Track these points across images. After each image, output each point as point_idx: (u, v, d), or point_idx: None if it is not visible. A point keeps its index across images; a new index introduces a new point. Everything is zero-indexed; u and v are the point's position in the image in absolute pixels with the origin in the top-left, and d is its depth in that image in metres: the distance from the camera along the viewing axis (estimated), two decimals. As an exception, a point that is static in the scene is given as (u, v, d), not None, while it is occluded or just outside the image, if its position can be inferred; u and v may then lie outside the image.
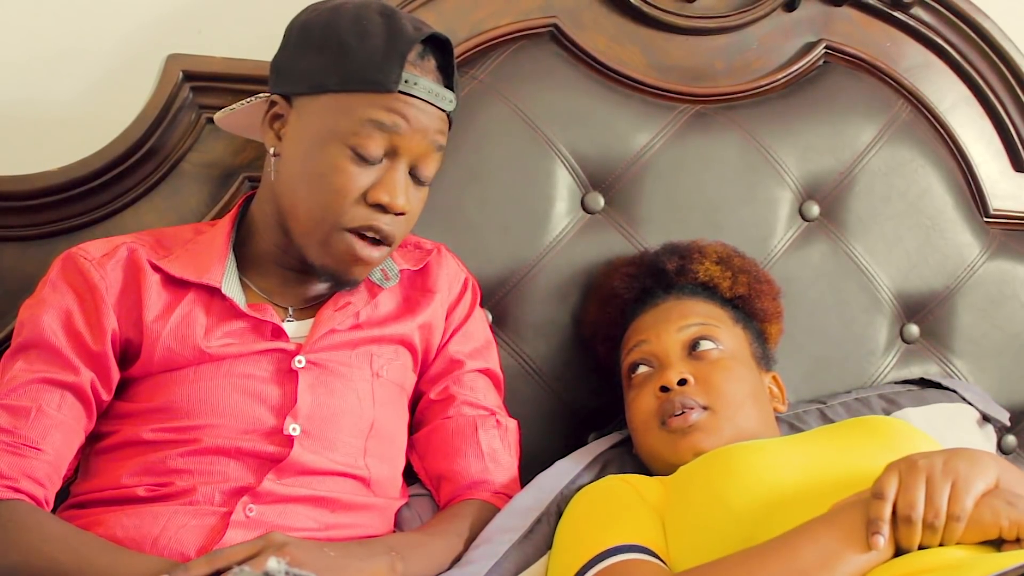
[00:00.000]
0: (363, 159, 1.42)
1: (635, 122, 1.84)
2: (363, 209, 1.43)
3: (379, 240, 1.45)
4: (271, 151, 1.47)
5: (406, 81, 1.40)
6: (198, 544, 1.36)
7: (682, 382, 1.52)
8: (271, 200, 1.49)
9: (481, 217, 1.76)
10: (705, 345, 1.57)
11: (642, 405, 1.56)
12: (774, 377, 1.67)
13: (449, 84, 1.46)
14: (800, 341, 1.86)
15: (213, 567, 1.24)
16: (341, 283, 1.50)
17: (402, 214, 1.45)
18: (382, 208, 1.43)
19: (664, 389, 1.53)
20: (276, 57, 1.49)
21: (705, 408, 1.51)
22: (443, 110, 1.46)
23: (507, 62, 1.81)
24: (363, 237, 1.44)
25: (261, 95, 1.52)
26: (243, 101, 1.55)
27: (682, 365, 1.55)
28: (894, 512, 1.21)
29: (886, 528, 1.20)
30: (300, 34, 1.46)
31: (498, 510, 1.53)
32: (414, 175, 1.46)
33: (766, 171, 1.88)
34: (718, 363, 1.55)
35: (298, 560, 1.25)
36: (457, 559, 1.46)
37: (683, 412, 1.50)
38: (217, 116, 1.61)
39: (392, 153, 1.43)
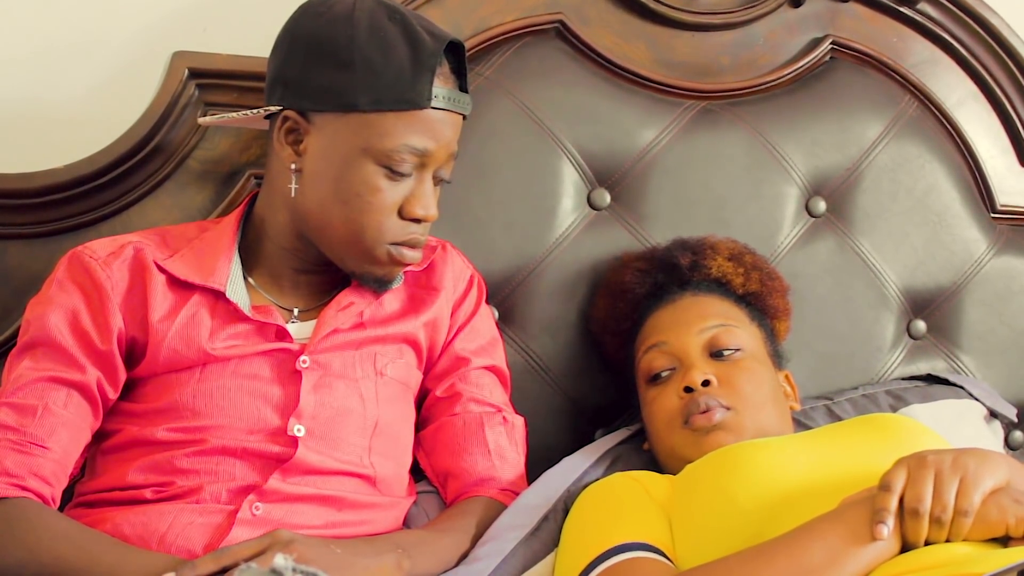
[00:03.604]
0: (396, 175, 1.43)
1: (641, 118, 1.84)
2: (399, 222, 1.45)
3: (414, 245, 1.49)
4: (292, 167, 1.46)
5: (436, 96, 1.42)
6: (204, 541, 1.36)
7: (706, 383, 1.52)
8: (288, 211, 1.49)
9: (487, 214, 1.76)
10: (727, 349, 1.56)
11: (664, 405, 1.55)
12: (787, 376, 1.67)
13: (464, 87, 1.47)
14: (807, 338, 1.86)
15: (220, 564, 1.25)
16: (383, 284, 1.52)
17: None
18: (416, 220, 1.46)
19: (688, 390, 1.53)
20: (279, 68, 1.46)
21: (728, 408, 1.50)
22: (464, 115, 1.47)
23: (513, 59, 1.80)
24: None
25: (258, 110, 1.49)
26: (239, 112, 1.54)
27: (705, 366, 1.55)
28: (901, 505, 1.21)
29: (891, 519, 1.20)
30: (310, 47, 1.43)
31: (505, 507, 1.53)
32: (435, 177, 1.48)
33: (772, 167, 1.88)
34: (739, 364, 1.55)
35: (304, 557, 1.25)
36: (464, 556, 1.46)
37: (707, 410, 1.50)
38: (204, 120, 1.61)
39: (421, 166, 1.45)
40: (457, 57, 1.46)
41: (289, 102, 1.45)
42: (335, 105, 1.42)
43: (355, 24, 1.41)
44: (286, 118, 1.45)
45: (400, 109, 1.41)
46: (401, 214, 1.45)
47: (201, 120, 1.62)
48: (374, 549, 1.37)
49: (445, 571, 1.43)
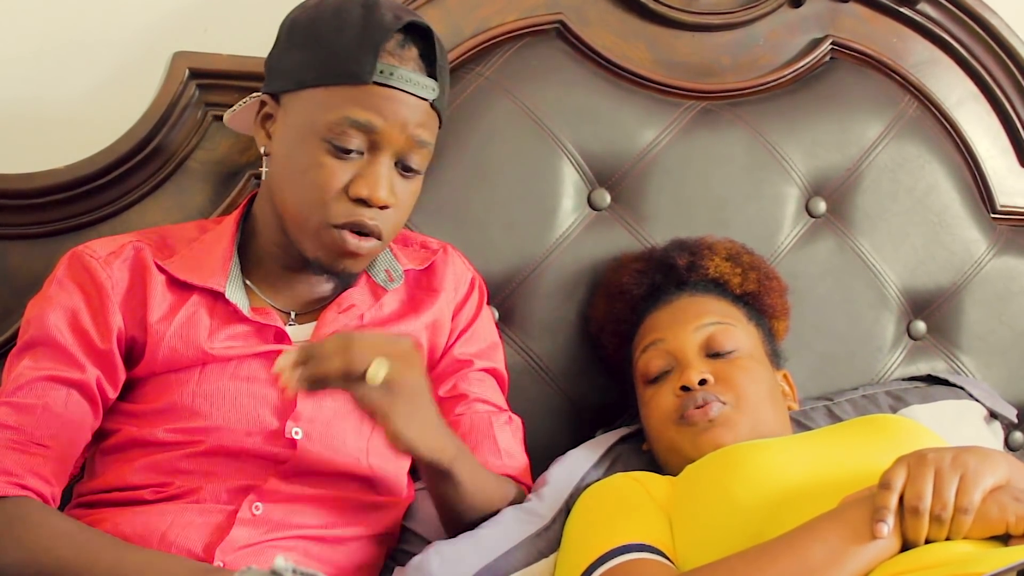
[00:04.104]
0: (342, 153, 1.41)
1: (641, 119, 1.84)
2: (346, 204, 1.41)
3: (367, 233, 1.44)
4: (263, 151, 1.47)
5: (381, 71, 1.39)
6: (204, 540, 1.37)
7: (703, 382, 1.52)
8: (268, 199, 1.49)
9: (487, 214, 1.76)
10: (723, 348, 1.56)
11: (661, 403, 1.55)
12: (785, 375, 1.67)
13: (432, 73, 1.44)
14: (807, 338, 1.86)
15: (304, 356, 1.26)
16: (336, 276, 1.49)
17: (386, 207, 1.43)
18: (364, 202, 1.42)
19: (685, 388, 1.53)
20: (268, 57, 1.49)
21: (724, 403, 1.50)
22: (424, 99, 1.43)
23: (513, 59, 1.80)
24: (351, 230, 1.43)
25: (255, 95, 1.51)
26: (242, 101, 1.55)
27: (701, 364, 1.55)
28: (901, 503, 1.21)
29: (891, 517, 1.20)
30: (288, 32, 1.46)
31: (524, 495, 1.53)
32: (401, 166, 1.45)
33: (773, 167, 1.88)
34: (736, 362, 1.55)
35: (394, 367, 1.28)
36: (481, 516, 1.48)
37: (704, 404, 1.50)
38: (226, 117, 1.61)
39: (373, 147, 1.42)
40: (426, 43, 1.44)
41: (269, 87, 1.47)
42: (293, 83, 1.43)
43: (323, 8, 1.43)
44: (263, 103, 1.47)
45: (341, 83, 1.39)
46: (348, 194, 1.42)
47: (226, 119, 1.60)
48: (439, 420, 1.40)
49: (466, 502, 1.45)
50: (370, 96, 1.40)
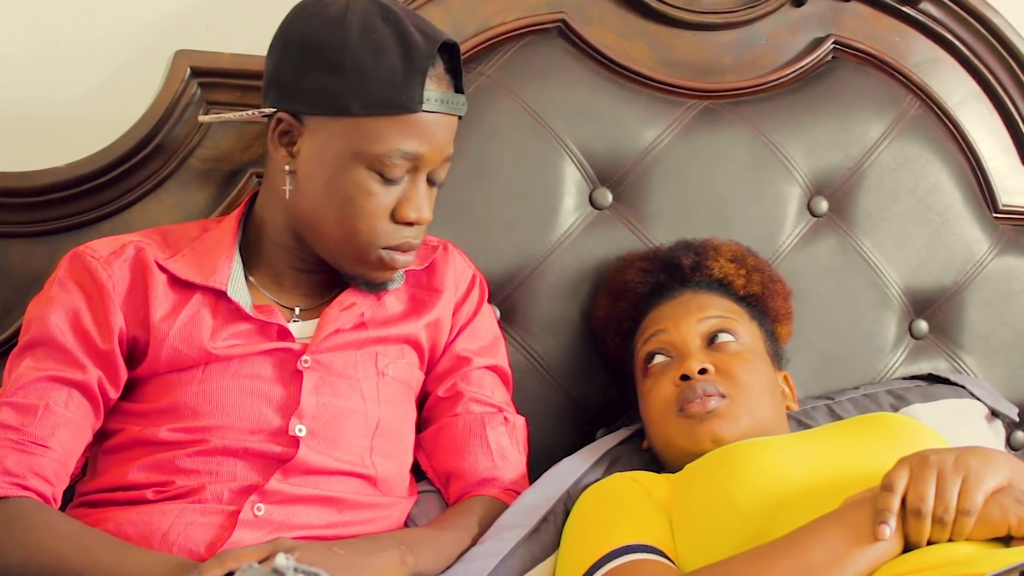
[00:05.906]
0: (388, 180, 1.43)
1: (643, 117, 1.84)
2: (392, 226, 1.45)
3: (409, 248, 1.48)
4: (286, 168, 1.46)
5: (427, 99, 1.41)
6: (207, 541, 1.36)
7: (702, 371, 1.52)
8: (284, 211, 1.49)
9: (489, 213, 1.76)
10: (724, 338, 1.57)
11: (660, 393, 1.55)
12: (785, 377, 1.67)
13: (459, 87, 1.46)
14: (809, 337, 1.85)
15: (224, 568, 1.24)
16: (375, 287, 1.52)
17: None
18: (409, 223, 1.45)
19: (684, 378, 1.53)
20: (274, 70, 1.46)
21: (724, 396, 1.50)
22: (459, 116, 1.47)
23: (515, 58, 1.80)
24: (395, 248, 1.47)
25: (256, 110, 1.49)
26: (240, 113, 1.54)
27: (702, 355, 1.55)
28: (903, 505, 1.21)
29: (893, 519, 1.20)
30: (303, 50, 1.42)
31: (507, 507, 1.52)
32: (429, 179, 1.47)
33: (774, 167, 1.88)
34: (737, 355, 1.55)
35: (307, 560, 1.25)
36: (464, 554, 1.46)
37: (702, 398, 1.50)
38: (204, 118, 1.61)
39: (414, 170, 1.44)
40: (451, 57, 1.45)
41: (283, 104, 1.45)
42: (327, 108, 1.42)
43: (347, 26, 1.40)
44: (280, 120, 1.45)
45: (391, 113, 1.40)
46: (394, 217, 1.45)
47: (202, 118, 1.62)
48: (377, 546, 1.37)
49: (446, 568, 1.43)
50: (416, 124, 1.42)
